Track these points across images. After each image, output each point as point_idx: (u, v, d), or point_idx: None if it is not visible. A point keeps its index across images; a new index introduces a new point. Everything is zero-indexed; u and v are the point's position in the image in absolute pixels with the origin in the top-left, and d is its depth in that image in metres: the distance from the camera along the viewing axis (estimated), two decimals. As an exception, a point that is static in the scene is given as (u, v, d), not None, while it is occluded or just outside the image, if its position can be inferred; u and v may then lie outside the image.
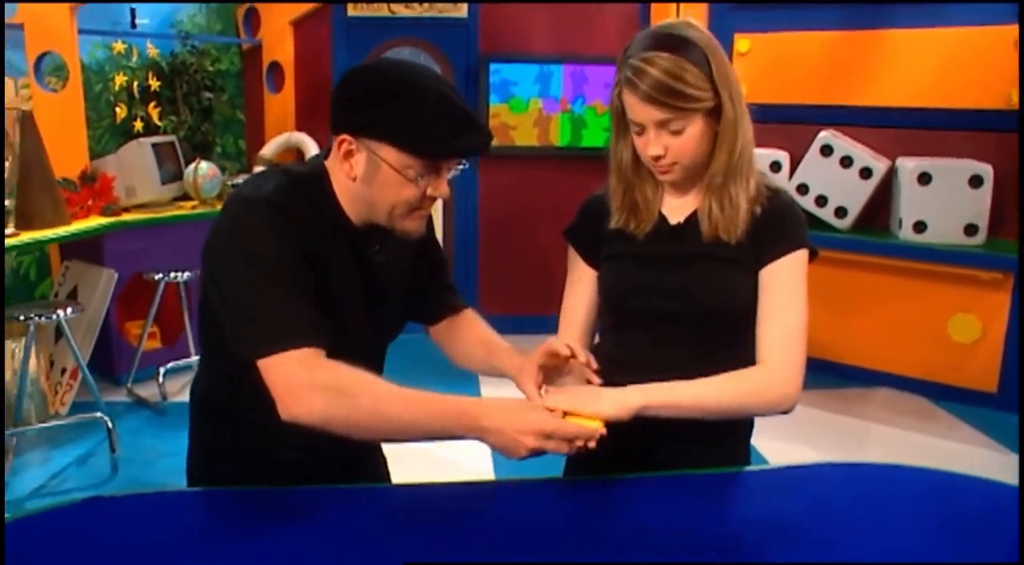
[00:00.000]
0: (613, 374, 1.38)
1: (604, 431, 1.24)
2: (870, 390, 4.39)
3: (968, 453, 3.70)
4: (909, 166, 4.00)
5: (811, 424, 3.81)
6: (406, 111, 1.21)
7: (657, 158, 1.37)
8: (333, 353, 1.22)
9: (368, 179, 1.26)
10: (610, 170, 1.49)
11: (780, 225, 1.42)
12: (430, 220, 1.49)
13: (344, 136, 1.25)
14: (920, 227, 4.00)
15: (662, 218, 1.48)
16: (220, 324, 1.26)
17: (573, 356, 1.36)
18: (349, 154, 1.26)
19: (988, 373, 4.14)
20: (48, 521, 1.24)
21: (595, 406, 1.27)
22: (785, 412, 1.37)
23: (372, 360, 1.48)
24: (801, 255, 1.41)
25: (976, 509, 1.31)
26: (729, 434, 1.52)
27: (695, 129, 1.35)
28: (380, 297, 1.41)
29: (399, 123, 1.21)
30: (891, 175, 4.20)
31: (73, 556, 1.15)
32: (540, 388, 1.35)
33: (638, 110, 1.34)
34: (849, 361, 4.47)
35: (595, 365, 1.36)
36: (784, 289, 1.39)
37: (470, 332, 1.56)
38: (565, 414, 1.25)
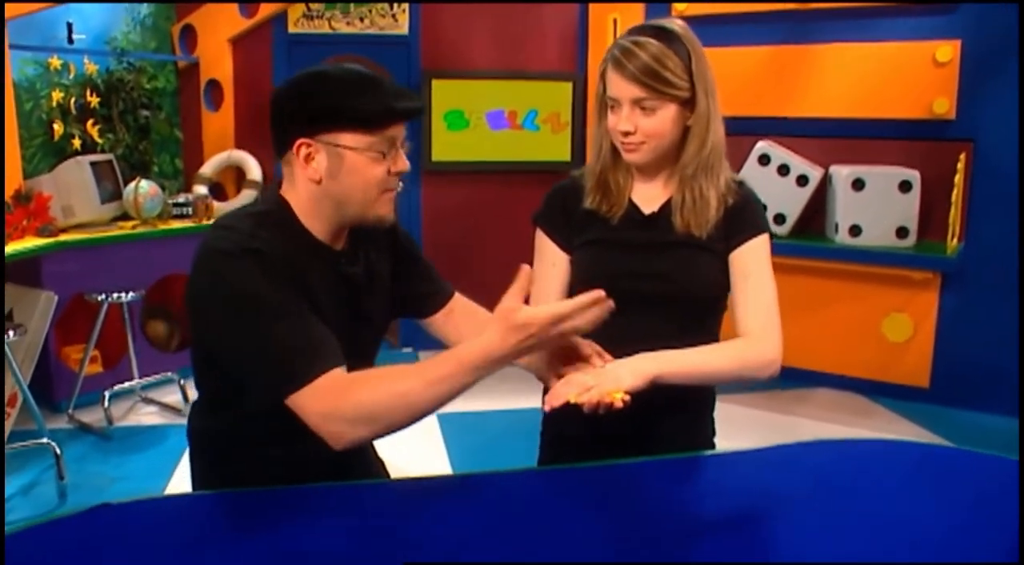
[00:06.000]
0: None
1: (628, 398, 1.31)
2: (809, 390, 4.53)
3: (909, 445, 3.87)
4: (843, 173, 4.19)
5: (754, 425, 3.92)
6: (348, 93, 1.29)
7: (626, 134, 1.49)
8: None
9: (334, 173, 1.30)
10: (590, 150, 1.62)
11: (745, 213, 1.56)
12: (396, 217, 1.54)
13: (300, 141, 1.29)
14: (855, 231, 4.19)
15: (634, 207, 1.58)
16: (226, 370, 1.31)
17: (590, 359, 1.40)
18: (309, 157, 1.31)
19: (920, 369, 4.36)
20: (51, 531, 1.20)
21: (615, 379, 1.34)
22: (771, 376, 1.52)
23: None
24: (765, 239, 1.56)
25: (971, 481, 1.41)
26: (697, 404, 1.64)
27: (667, 113, 1.47)
28: (363, 309, 1.44)
29: (347, 104, 1.28)
30: (825, 182, 4.38)
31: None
32: (559, 377, 1.39)
33: (619, 86, 1.47)
34: (788, 363, 4.56)
35: (608, 357, 1.40)
36: (756, 269, 1.54)
37: (472, 322, 1.61)
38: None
